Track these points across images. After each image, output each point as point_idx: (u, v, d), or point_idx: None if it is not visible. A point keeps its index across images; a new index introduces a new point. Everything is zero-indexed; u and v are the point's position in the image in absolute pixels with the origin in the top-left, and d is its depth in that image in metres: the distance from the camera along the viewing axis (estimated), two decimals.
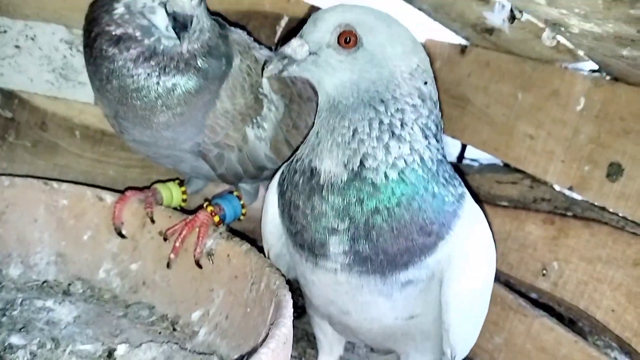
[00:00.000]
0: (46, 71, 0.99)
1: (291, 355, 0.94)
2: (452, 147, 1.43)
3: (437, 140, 0.73)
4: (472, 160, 1.40)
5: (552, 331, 0.95)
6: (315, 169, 0.70)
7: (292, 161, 0.76)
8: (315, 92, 0.94)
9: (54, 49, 0.98)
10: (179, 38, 0.71)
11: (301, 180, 0.72)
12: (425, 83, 0.72)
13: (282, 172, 0.78)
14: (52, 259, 0.91)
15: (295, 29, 1.10)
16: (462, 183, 0.76)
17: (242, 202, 0.93)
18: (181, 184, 0.98)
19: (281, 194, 0.76)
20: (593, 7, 0.52)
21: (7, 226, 0.88)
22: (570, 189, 0.97)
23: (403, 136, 0.69)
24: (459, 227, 0.71)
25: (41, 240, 0.91)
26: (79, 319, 0.81)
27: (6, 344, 0.71)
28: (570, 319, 0.99)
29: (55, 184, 0.91)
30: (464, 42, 1.19)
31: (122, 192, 0.94)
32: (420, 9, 1.05)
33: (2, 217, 0.88)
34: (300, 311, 0.97)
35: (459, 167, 1.27)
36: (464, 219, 0.71)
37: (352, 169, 0.68)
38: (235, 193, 0.93)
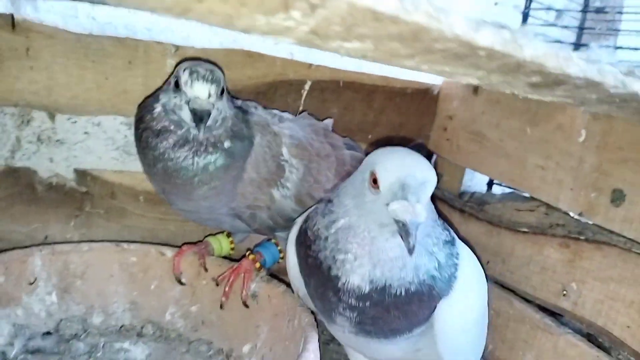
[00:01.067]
0: (111, 150, 1.15)
1: None
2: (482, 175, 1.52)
3: (440, 223, 0.81)
4: (501, 185, 1.47)
5: (577, 347, 1.01)
6: (337, 277, 0.76)
7: (308, 235, 0.82)
8: (334, 148, 1.07)
9: (116, 131, 1.14)
10: (197, 128, 0.85)
11: (318, 273, 0.79)
12: None
13: (300, 230, 0.86)
14: (127, 307, 1.06)
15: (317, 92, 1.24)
16: (455, 237, 0.84)
17: (279, 248, 1.07)
18: (229, 235, 1.12)
19: (298, 251, 0.86)
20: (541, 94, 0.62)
21: (88, 283, 1.04)
22: (580, 214, 1.03)
23: (434, 252, 0.77)
24: (456, 287, 0.79)
25: (117, 292, 1.06)
26: (150, 357, 0.97)
27: None
28: (592, 335, 1.05)
29: (125, 245, 1.07)
30: (476, 82, 1.29)
31: (179, 246, 1.09)
32: None
33: (84, 276, 1.04)
34: None
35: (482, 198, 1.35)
36: (459, 278, 0.79)
37: (377, 287, 0.74)
38: (273, 241, 1.07)
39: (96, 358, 0.94)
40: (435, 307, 0.78)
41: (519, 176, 1.17)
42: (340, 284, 0.76)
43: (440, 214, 0.88)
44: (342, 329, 0.80)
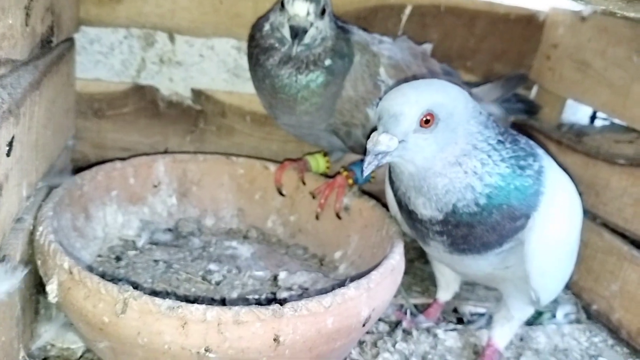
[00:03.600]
0: (223, 72, 1.26)
1: (415, 290, 1.16)
2: (586, 108, 1.47)
3: (503, 142, 0.80)
4: (604, 119, 1.43)
5: None
6: (414, 212, 0.82)
7: (392, 174, 0.86)
8: (430, 71, 1.10)
9: (227, 54, 1.25)
10: (292, 44, 0.90)
11: (401, 207, 0.85)
12: (481, 112, 0.80)
13: (389, 168, 0.90)
14: (235, 213, 1.19)
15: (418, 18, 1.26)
16: (538, 154, 0.83)
17: None
18: (325, 154, 1.20)
19: (391, 186, 0.90)
20: None
21: (203, 190, 1.17)
22: None
23: (485, 171, 0.77)
24: (544, 201, 0.79)
25: (227, 199, 1.19)
26: (254, 255, 1.08)
27: (207, 269, 1.00)
28: None
29: (234, 158, 1.18)
30: (584, 8, 1.24)
31: (281, 162, 1.18)
32: None
33: (200, 183, 1.17)
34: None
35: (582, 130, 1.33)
36: (546, 193, 0.80)
37: (447, 212, 0.79)
38: None
39: (209, 252, 1.08)
40: (525, 221, 0.80)
41: (621, 106, 1.14)
42: (419, 217, 0.82)
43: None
44: (437, 250, 0.86)
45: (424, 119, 0.75)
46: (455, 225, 0.80)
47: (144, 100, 1.24)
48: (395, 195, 0.87)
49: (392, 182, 0.88)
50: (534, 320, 1.13)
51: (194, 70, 1.26)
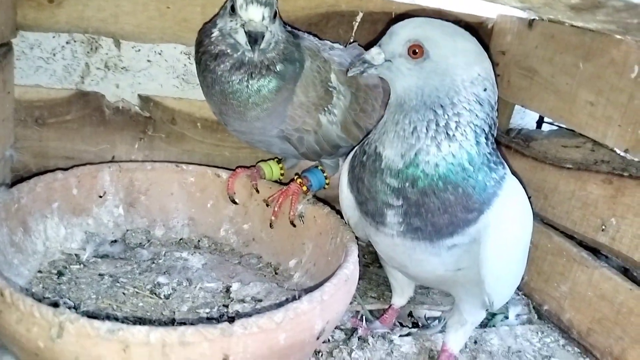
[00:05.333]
0: (172, 78, 1.22)
1: (371, 296, 1.16)
2: (533, 112, 1.50)
3: (487, 138, 0.83)
4: (551, 124, 1.46)
5: (611, 280, 1.03)
6: (379, 154, 0.84)
7: (364, 143, 0.90)
8: (382, 80, 1.10)
9: (177, 60, 1.21)
10: (252, 50, 0.89)
11: (368, 161, 0.86)
12: (485, 90, 0.82)
13: (355, 152, 0.92)
14: (186, 222, 1.16)
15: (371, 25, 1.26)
16: (505, 165, 0.87)
17: (325, 174, 1.12)
18: (279, 161, 1.19)
19: (351, 169, 0.91)
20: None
21: (151, 199, 1.14)
22: (626, 151, 1.03)
23: (455, 137, 0.80)
24: (497, 203, 0.82)
25: (177, 209, 1.16)
26: (205, 265, 1.06)
27: (155, 282, 0.97)
28: (627, 269, 1.07)
29: (184, 166, 1.15)
30: (532, 16, 1.26)
31: (233, 169, 1.16)
32: None
33: (147, 193, 1.14)
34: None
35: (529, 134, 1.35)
36: (502, 196, 0.82)
37: (407, 160, 0.81)
38: (319, 167, 1.12)
39: (158, 264, 1.05)
40: (477, 216, 0.81)
41: (568, 112, 1.16)
42: (383, 164, 0.83)
43: None
44: (391, 232, 0.84)
45: (413, 49, 0.79)
46: (411, 183, 0.80)
47: (88, 107, 1.19)
48: (364, 154, 0.87)
49: (355, 159, 0.90)
50: (487, 322, 1.14)
51: (142, 76, 1.22)
